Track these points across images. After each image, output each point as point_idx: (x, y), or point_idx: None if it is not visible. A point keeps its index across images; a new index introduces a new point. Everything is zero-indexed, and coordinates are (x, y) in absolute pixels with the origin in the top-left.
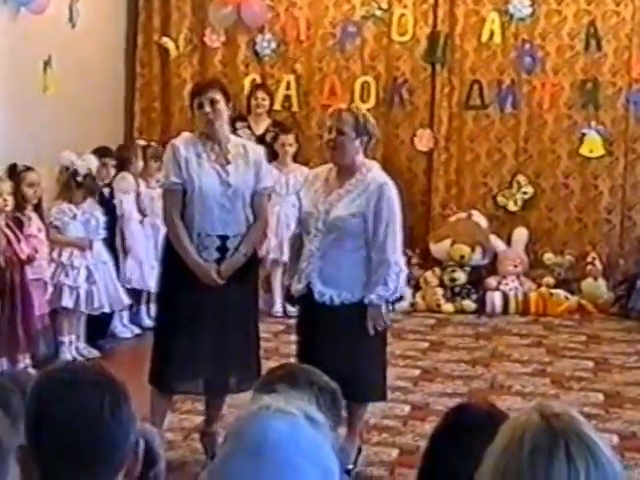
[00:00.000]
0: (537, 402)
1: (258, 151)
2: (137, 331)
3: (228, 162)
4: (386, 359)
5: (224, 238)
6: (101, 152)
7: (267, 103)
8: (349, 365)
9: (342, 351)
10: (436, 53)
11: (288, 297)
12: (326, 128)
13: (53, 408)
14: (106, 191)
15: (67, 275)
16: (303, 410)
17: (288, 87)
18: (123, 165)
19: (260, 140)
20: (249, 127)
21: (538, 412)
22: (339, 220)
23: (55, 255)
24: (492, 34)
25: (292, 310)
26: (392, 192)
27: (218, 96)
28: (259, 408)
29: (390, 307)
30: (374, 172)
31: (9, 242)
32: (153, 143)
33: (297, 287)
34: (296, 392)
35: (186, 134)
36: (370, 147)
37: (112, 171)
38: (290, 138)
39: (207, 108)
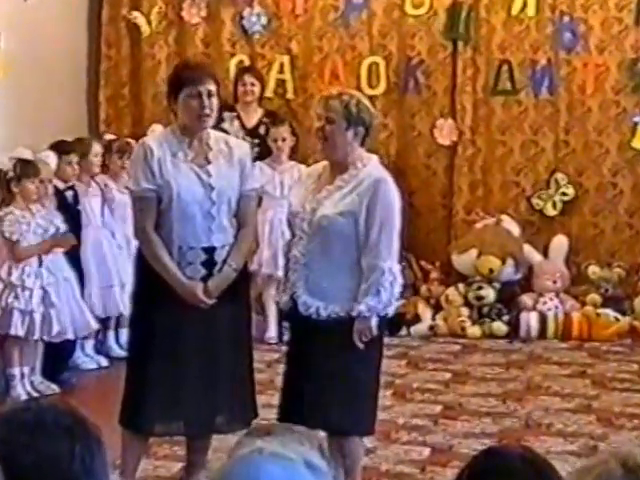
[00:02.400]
0: (614, 449)
1: (243, 148)
2: (104, 362)
3: (209, 161)
4: (379, 385)
5: (210, 250)
6: (61, 148)
7: (257, 90)
8: (340, 391)
9: (331, 375)
10: (458, 28)
11: (282, 315)
12: (317, 117)
13: (15, 456)
14: (70, 195)
15: (17, 297)
16: (302, 455)
17: (282, 70)
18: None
19: (252, 134)
20: (239, 118)
21: (619, 462)
22: (325, 220)
23: (3, 274)
24: (524, 5)
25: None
26: (390, 189)
27: (214, 88)
28: (250, 452)
29: (384, 330)
30: (370, 167)
31: None
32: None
33: (283, 299)
34: (294, 436)
35: (158, 129)
36: (369, 139)
37: (77, 169)
38: (284, 131)
39: (206, 102)
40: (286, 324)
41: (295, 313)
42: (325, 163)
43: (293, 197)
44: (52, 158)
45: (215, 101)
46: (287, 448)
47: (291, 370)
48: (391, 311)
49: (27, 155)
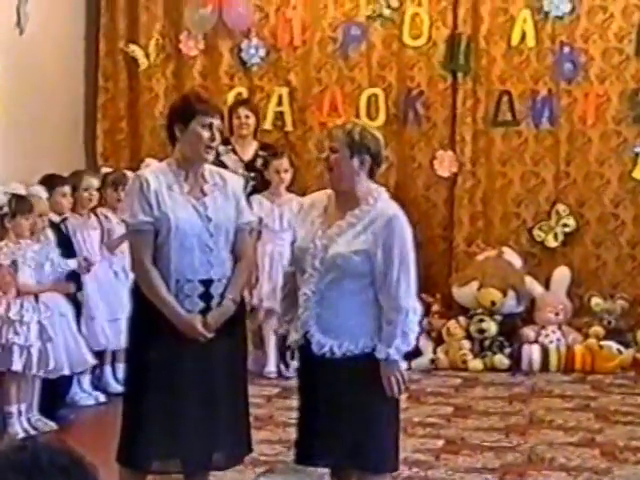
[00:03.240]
0: None
1: (237, 182)
2: (102, 398)
3: (205, 194)
4: (399, 422)
5: (207, 283)
6: (53, 181)
7: (252, 122)
8: (357, 430)
9: (347, 414)
10: (457, 59)
11: (282, 349)
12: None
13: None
14: (64, 227)
15: (17, 333)
16: None
17: (280, 102)
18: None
19: (248, 167)
20: (234, 151)
21: None
22: (340, 258)
23: (1, 310)
24: (524, 36)
25: (287, 371)
26: (404, 226)
27: (220, 123)
28: None
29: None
30: (382, 202)
31: None
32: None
33: (294, 337)
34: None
35: (154, 163)
36: (377, 169)
37: (70, 201)
38: (284, 163)
39: (217, 136)
40: (283, 367)
41: (308, 351)
42: (329, 192)
43: (298, 231)
44: (42, 193)
45: (219, 137)
46: None
47: (307, 408)
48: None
49: (20, 190)
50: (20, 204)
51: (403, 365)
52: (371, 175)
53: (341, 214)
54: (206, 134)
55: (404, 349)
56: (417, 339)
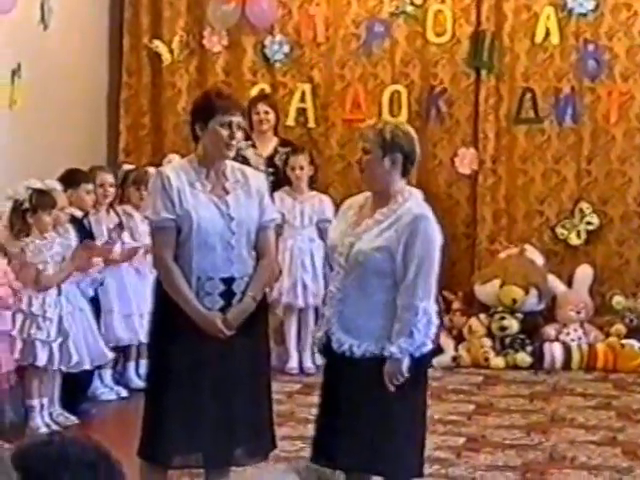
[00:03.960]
0: None
1: (260, 178)
2: (123, 393)
3: (227, 192)
4: (425, 427)
5: (229, 281)
6: (76, 177)
7: (272, 118)
8: (375, 433)
9: (366, 415)
10: (481, 56)
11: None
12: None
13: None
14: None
15: (39, 328)
16: None
17: (303, 99)
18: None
19: (268, 163)
20: (254, 146)
21: None
22: (361, 255)
23: (24, 305)
24: (548, 33)
25: (310, 366)
26: (430, 227)
27: (242, 120)
28: None
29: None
30: (411, 202)
31: None
32: (150, 168)
33: (318, 335)
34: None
35: (176, 159)
36: (411, 167)
37: (94, 198)
38: (303, 159)
39: (238, 134)
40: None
41: (330, 349)
42: (368, 194)
43: (332, 230)
44: (58, 187)
45: (241, 135)
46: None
47: (327, 406)
48: (426, 352)
49: (37, 184)
50: (42, 199)
51: (405, 365)
52: (404, 173)
53: (372, 213)
54: (225, 132)
55: (408, 349)
56: (429, 343)
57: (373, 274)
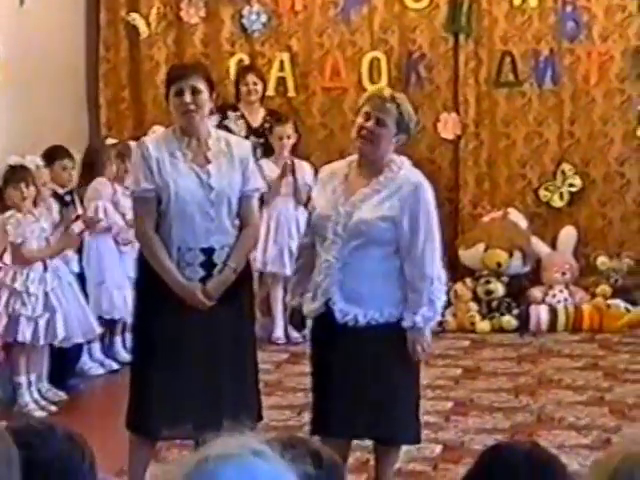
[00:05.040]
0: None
1: (244, 146)
2: (113, 366)
3: (208, 161)
4: (419, 393)
5: (209, 251)
6: (56, 153)
7: (260, 88)
8: (378, 399)
9: (369, 383)
10: (459, 21)
11: (292, 320)
12: (361, 113)
13: (38, 453)
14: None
15: (24, 304)
16: (247, 447)
17: (282, 68)
18: (94, 169)
19: (257, 133)
20: (243, 117)
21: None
22: (364, 224)
23: (8, 280)
24: None
25: (297, 336)
26: (428, 194)
27: (201, 84)
28: (197, 463)
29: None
30: (406, 170)
31: None
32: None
33: (312, 306)
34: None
35: (158, 130)
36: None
37: (72, 174)
38: (288, 129)
39: (187, 98)
40: (294, 332)
41: (328, 319)
42: (349, 161)
43: (317, 200)
44: (39, 162)
45: (203, 97)
46: (230, 446)
47: (324, 377)
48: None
49: (14, 161)
50: (12, 174)
51: (428, 333)
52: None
53: (365, 181)
54: (177, 101)
55: (430, 316)
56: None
57: (376, 243)
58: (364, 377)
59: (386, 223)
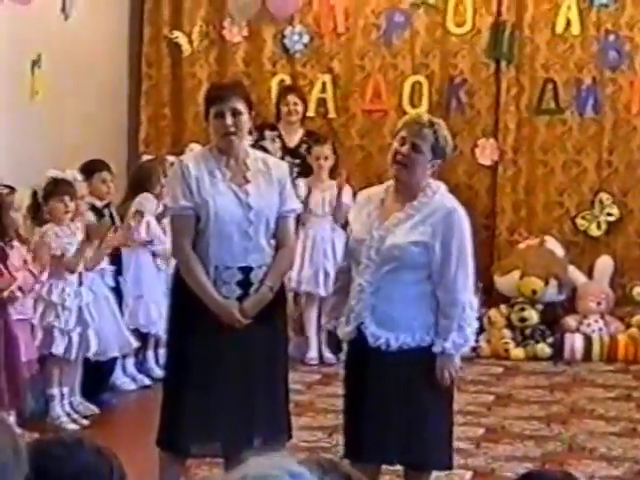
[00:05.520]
0: None
1: (281, 168)
2: (145, 382)
3: (247, 181)
4: (452, 418)
5: (246, 270)
6: (95, 166)
7: (300, 109)
8: (409, 424)
9: (400, 408)
10: (501, 47)
11: (329, 343)
12: (398, 138)
13: (66, 466)
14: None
15: (57, 316)
16: (284, 468)
17: (323, 89)
18: (143, 185)
19: (293, 153)
20: (280, 137)
21: None
22: (397, 249)
23: (44, 293)
24: (569, 23)
25: (330, 357)
26: (463, 220)
27: (241, 106)
28: None
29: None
30: (440, 195)
31: None
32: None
33: (346, 329)
34: (269, 455)
35: (196, 149)
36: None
37: (111, 187)
38: (325, 150)
39: (228, 120)
40: (329, 354)
41: (360, 343)
42: (385, 186)
43: (353, 223)
44: (78, 177)
45: (243, 119)
46: (268, 466)
47: (357, 402)
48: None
49: (55, 174)
50: (54, 187)
51: (457, 360)
52: (433, 173)
53: (399, 206)
54: (218, 123)
55: (460, 343)
56: (472, 338)
57: (408, 267)
58: (395, 402)
59: (418, 248)
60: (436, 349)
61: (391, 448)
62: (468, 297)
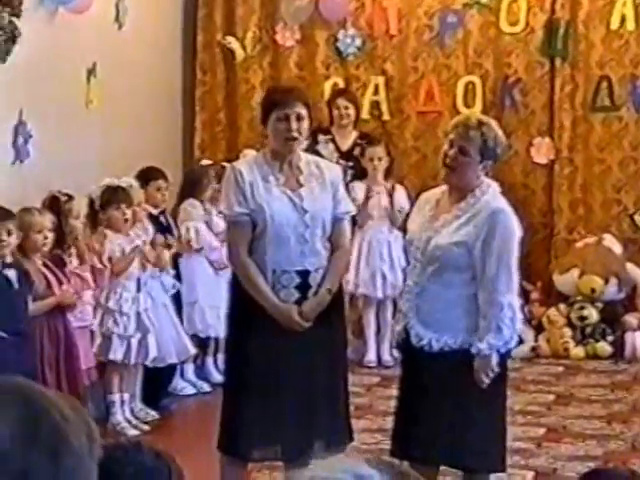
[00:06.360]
0: None
1: (334, 170)
2: (205, 387)
3: (301, 185)
4: (505, 420)
5: (304, 274)
6: (150, 174)
7: (352, 112)
8: (456, 427)
9: (447, 410)
10: (555, 45)
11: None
12: (447, 141)
13: (125, 469)
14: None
15: (116, 323)
16: (351, 471)
17: (377, 91)
18: (191, 191)
19: (347, 156)
20: (333, 141)
21: None
22: (439, 249)
23: (102, 299)
24: (624, 20)
25: (388, 359)
26: (509, 221)
27: (304, 111)
28: None
29: (504, 355)
30: (489, 196)
31: (49, 285)
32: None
33: (397, 329)
34: (337, 457)
35: (249, 154)
36: (492, 170)
37: (166, 195)
38: (379, 151)
39: (294, 125)
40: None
41: (408, 343)
42: (444, 188)
43: (411, 224)
44: (134, 184)
45: (305, 125)
46: (335, 469)
47: (406, 401)
48: (512, 347)
49: (112, 182)
50: (110, 195)
51: (494, 360)
52: (485, 174)
53: (449, 207)
54: (282, 126)
55: (497, 344)
56: (516, 337)
57: (451, 268)
58: (441, 403)
59: (460, 249)
60: (473, 350)
61: (437, 450)
62: (509, 298)
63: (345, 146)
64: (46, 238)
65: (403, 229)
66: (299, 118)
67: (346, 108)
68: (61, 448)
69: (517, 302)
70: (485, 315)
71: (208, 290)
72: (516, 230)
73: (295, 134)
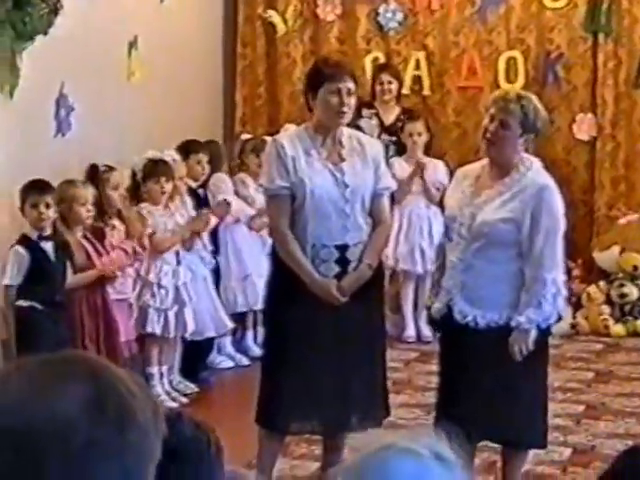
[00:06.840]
0: None
1: (376, 146)
2: (244, 361)
3: (342, 159)
4: (547, 396)
5: (343, 248)
6: (190, 147)
7: (395, 87)
8: (501, 403)
9: (491, 386)
10: (598, 21)
11: (430, 320)
12: (487, 114)
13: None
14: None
15: (153, 295)
16: (432, 449)
17: (418, 66)
18: (217, 164)
19: (389, 131)
20: (377, 115)
21: None
22: (486, 225)
23: (142, 271)
24: None
25: (427, 335)
26: (554, 197)
27: (352, 86)
28: (380, 448)
29: (545, 332)
30: (533, 171)
31: (89, 257)
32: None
33: (437, 306)
34: (423, 431)
35: (291, 128)
36: (533, 145)
37: (207, 168)
38: (419, 126)
39: (345, 99)
40: (427, 332)
41: (450, 320)
42: (484, 163)
43: (448, 200)
44: (176, 157)
45: (353, 100)
46: (417, 442)
47: (449, 378)
48: (553, 323)
49: (152, 155)
50: (151, 168)
51: (532, 335)
52: (526, 149)
53: (491, 183)
54: (334, 100)
55: (536, 319)
56: (557, 314)
57: (497, 245)
58: (486, 380)
59: (507, 225)
60: (513, 323)
61: (482, 426)
62: (554, 274)
63: (388, 121)
64: (89, 211)
65: (440, 205)
66: (349, 93)
67: (389, 83)
68: (127, 422)
69: (562, 279)
70: (528, 290)
71: (255, 260)
72: (561, 207)
73: (345, 108)
